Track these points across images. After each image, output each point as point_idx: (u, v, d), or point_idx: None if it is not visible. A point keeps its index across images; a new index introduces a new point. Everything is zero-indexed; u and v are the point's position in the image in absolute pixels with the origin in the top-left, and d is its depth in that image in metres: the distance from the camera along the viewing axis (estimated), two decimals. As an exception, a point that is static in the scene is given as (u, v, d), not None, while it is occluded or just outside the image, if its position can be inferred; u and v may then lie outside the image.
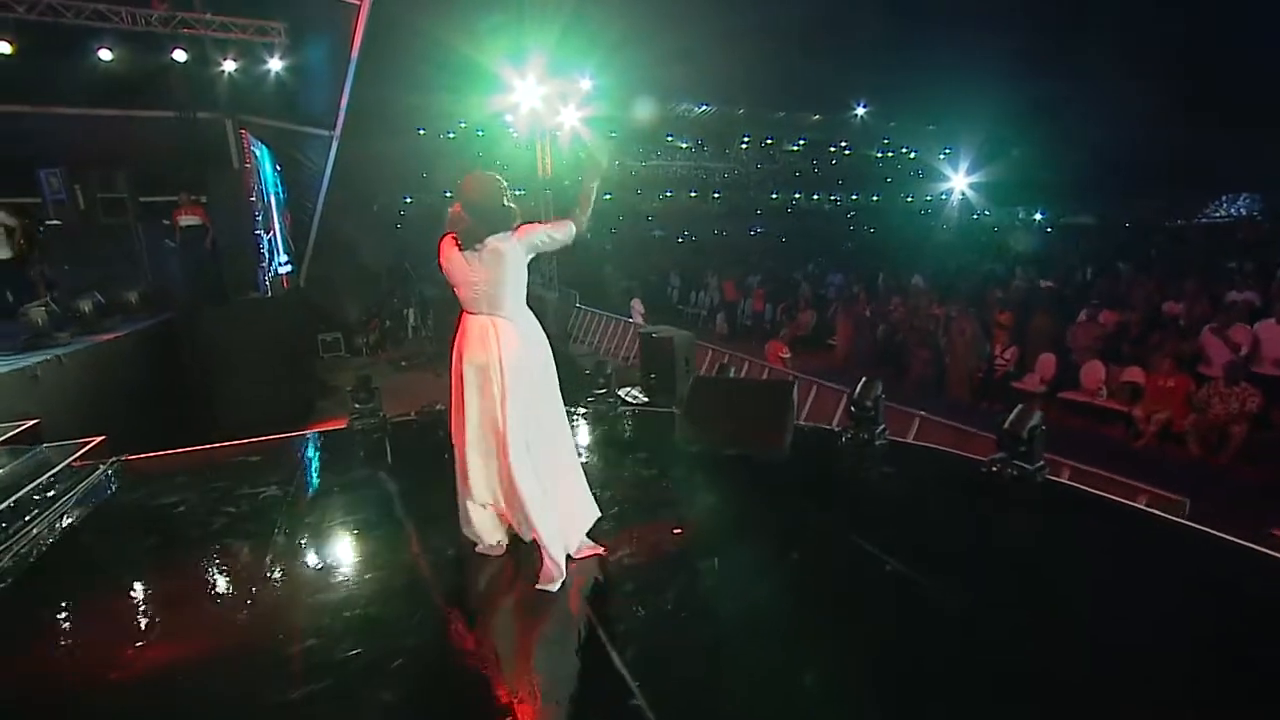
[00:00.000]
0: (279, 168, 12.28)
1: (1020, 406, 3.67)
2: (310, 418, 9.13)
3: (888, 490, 3.73)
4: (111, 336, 7.35)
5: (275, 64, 10.41)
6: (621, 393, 5.98)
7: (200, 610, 2.71)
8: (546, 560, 2.69)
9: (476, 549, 2.99)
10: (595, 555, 2.90)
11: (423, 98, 15.29)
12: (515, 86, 13.95)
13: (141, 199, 9.53)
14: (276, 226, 11.42)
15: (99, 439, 4.65)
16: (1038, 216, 30.68)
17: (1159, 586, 2.63)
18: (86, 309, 7.64)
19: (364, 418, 4.99)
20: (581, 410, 5.03)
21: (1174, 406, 7.00)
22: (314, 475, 4.52)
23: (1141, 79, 20.67)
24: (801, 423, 4.77)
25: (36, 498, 3.94)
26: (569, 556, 2.80)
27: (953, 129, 27.60)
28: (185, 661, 2.36)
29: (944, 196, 29.67)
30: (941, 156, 29.54)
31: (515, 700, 2.05)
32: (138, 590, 3.00)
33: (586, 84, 17.15)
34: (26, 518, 3.63)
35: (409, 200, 22.95)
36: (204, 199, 9.79)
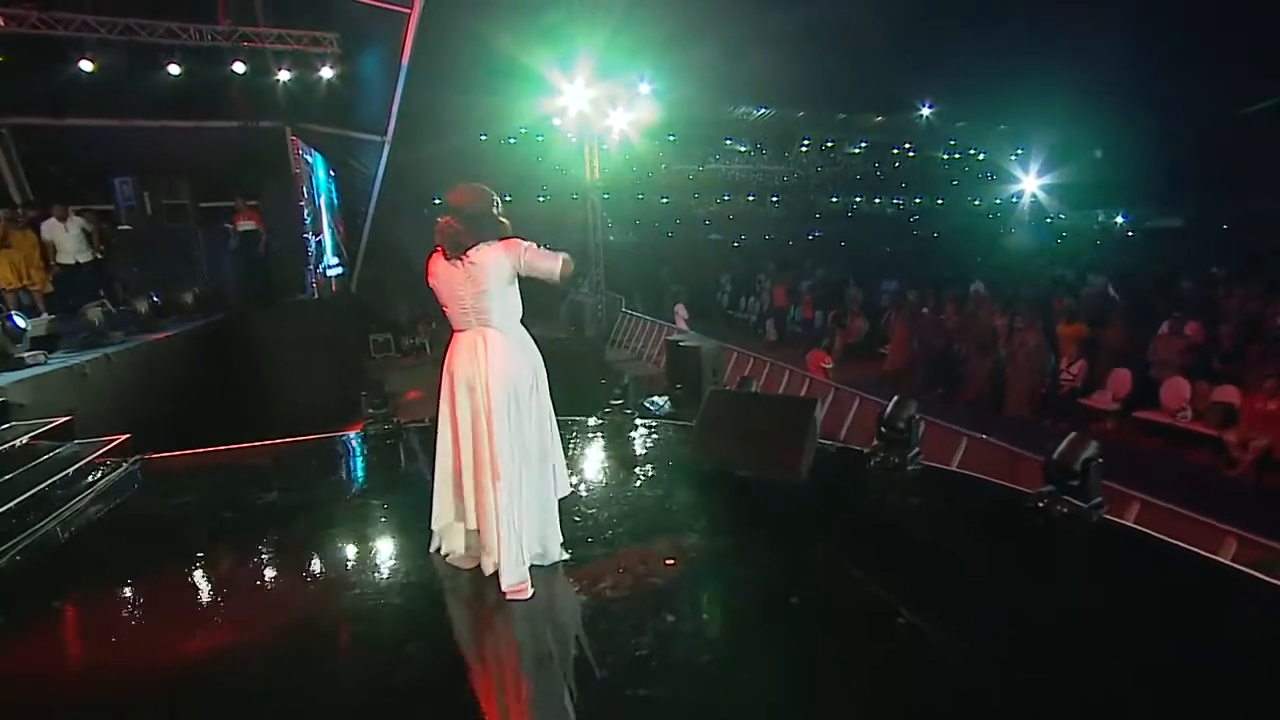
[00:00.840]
0: (332, 173, 12.68)
1: (1072, 435, 3.22)
2: (356, 416, 9.30)
3: (914, 525, 3.30)
4: (162, 336, 7.64)
5: (328, 72, 10.72)
6: (647, 403, 5.75)
7: (200, 611, 2.68)
8: (508, 575, 2.58)
9: (448, 559, 2.89)
10: (517, 598, 2.60)
11: (473, 100, 15.48)
12: (564, 90, 13.92)
13: (201, 205, 9.95)
14: (326, 230, 11.77)
15: (124, 437, 4.77)
16: (1119, 219, 28.61)
17: (1242, 670, 2.12)
18: (143, 309, 7.99)
19: (377, 423, 4.94)
20: (595, 421, 4.81)
21: (1275, 433, 6.21)
22: (327, 478, 4.46)
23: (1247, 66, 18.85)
24: (828, 442, 4.41)
25: (60, 492, 4.06)
26: (533, 569, 2.68)
27: (1025, 129, 26.09)
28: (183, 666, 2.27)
29: (1014, 199, 28.10)
30: (1013, 157, 28.01)
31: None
32: (136, 590, 2.97)
33: (646, 88, 17.05)
34: (45, 511, 3.73)
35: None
36: (258, 204, 10.21)
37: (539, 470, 2.74)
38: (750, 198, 28.10)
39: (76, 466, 4.32)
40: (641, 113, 16.36)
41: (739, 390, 4.98)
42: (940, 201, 30.19)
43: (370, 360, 13.41)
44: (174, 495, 4.18)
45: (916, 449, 3.85)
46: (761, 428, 3.90)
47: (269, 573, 3.04)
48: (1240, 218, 23.31)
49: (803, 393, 7.66)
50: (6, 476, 3.97)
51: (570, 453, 4.39)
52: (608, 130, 15.33)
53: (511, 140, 22.03)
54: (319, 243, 11.41)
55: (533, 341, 2.81)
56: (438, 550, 2.94)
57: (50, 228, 8.80)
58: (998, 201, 29.16)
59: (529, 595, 2.58)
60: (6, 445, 4.28)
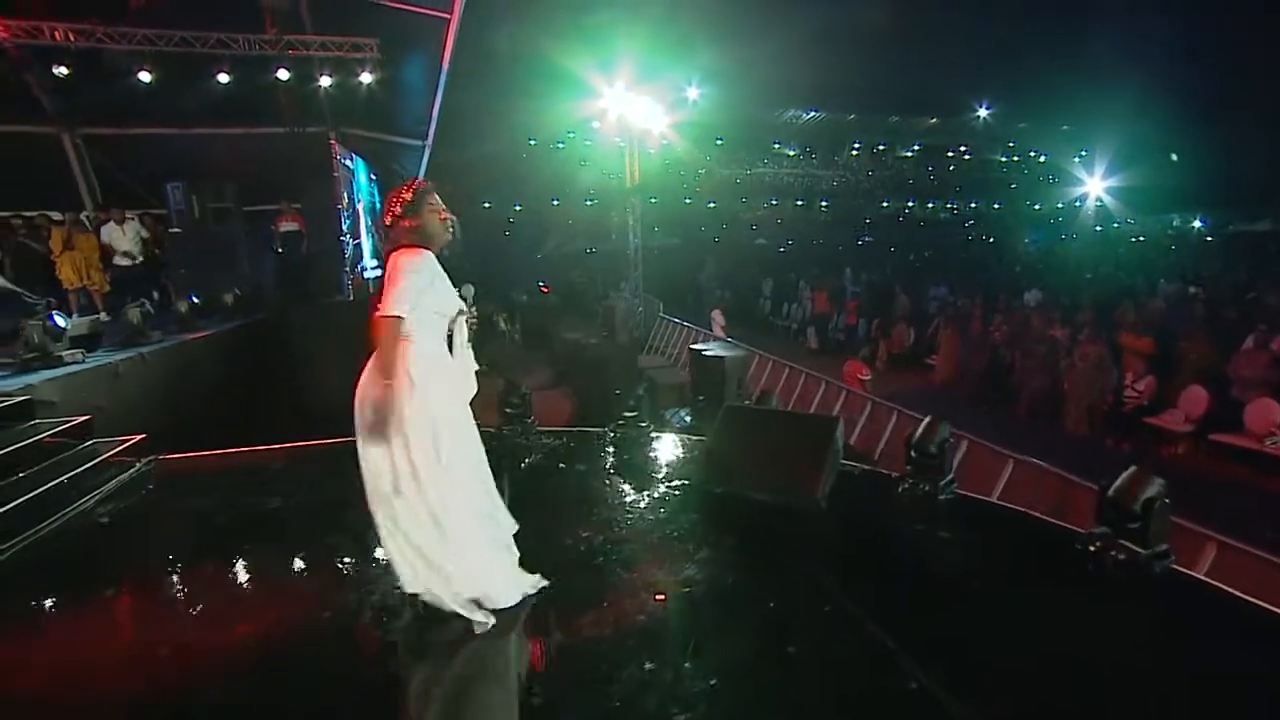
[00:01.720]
0: (374, 177, 12.86)
1: (1133, 469, 2.80)
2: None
3: (940, 566, 2.91)
4: (199, 335, 7.78)
5: (368, 78, 10.86)
6: (666, 414, 5.48)
7: (201, 613, 2.66)
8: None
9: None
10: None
11: (513, 104, 15.53)
12: (604, 93, 13.80)
13: (245, 208, 10.20)
14: (364, 233, 11.93)
15: (139, 437, 4.79)
16: (1196, 224, 26.71)
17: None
18: (184, 309, 8.18)
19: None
20: (606, 433, 4.55)
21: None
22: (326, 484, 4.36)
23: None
24: (853, 465, 4.04)
25: (72, 491, 4.08)
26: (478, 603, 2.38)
27: (1090, 130, 24.63)
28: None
29: (1077, 204, 26.56)
30: (1076, 160, 26.51)
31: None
32: (140, 588, 3.00)
33: (694, 92, 16.81)
34: (51, 510, 3.76)
35: (519, 207, 23.60)
36: (301, 206, 10.42)
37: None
38: (799, 203, 27.55)
39: (88, 466, 4.35)
40: (686, 116, 16.13)
41: (756, 406, 4.65)
42: (997, 206, 28.93)
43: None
44: (183, 497, 4.15)
45: (950, 476, 3.47)
46: (778, 447, 3.59)
47: (245, 578, 3.02)
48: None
49: (838, 406, 7.23)
50: (18, 474, 4.02)
51: (572, 468, 4.16)
52: (647, 134, 15.15)
53: (560, 145, 22.11)
54: (357, 245, 11.55)
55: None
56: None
57: (109, 231, 9.22)
58: (1059, 206, 27.72)
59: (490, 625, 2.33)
60: (24, 443, 4.33)
